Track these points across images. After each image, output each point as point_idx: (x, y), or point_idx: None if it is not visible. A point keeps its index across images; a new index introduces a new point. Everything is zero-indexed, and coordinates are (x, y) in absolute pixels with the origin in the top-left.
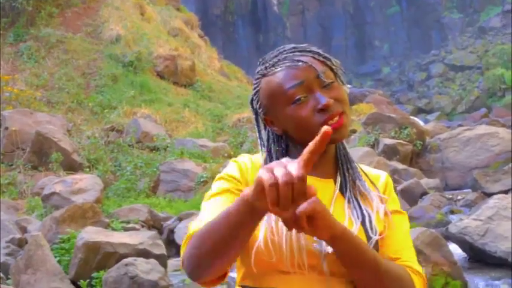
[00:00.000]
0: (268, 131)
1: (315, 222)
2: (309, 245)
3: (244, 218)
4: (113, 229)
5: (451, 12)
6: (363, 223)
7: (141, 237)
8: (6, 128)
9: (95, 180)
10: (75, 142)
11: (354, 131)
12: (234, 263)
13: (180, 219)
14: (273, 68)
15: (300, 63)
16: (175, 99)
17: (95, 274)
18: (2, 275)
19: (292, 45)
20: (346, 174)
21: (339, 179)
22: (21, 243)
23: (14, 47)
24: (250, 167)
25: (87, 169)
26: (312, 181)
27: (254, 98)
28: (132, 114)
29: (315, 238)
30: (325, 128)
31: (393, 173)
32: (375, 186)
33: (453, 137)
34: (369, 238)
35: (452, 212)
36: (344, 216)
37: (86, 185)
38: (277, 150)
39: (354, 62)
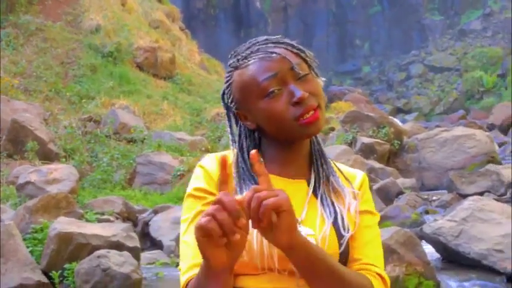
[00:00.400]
0: (240, 126)
1: (278, 222)
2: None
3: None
4: (87, 220)
5: (432, 14)
6: (335, 221)
7: (114, 229)
8: None
9: (71, 170)
10: (52, 131)
11: (332, 129)
12: None
13: (155, 212)
14: (246, 60)
15: (274, 55)
16: (155, 91)
17: (67, 265)
18: None
19: (265, 37)
20: (320, 170)
21: (312, 177)
22: None
23: None
24: (215, 168)
25: (64, 159)
26: (283, 183)
27: (226, 91)
28: (110, 105)
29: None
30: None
31: (370, 171)
32: (350, 184)
33: (430, 138)
34: (340, 236)
35: (427, 212)
36: (316, 214)
37: (61, 175)
38: (248, 145)
39: (335, 60)
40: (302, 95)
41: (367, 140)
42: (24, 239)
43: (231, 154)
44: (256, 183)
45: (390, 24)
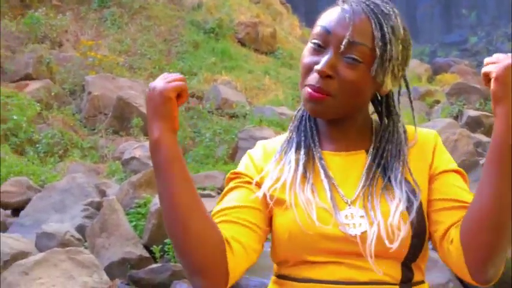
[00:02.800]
0: None
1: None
2: (336, 230)
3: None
4: None
5: None
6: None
7: (214, 205)
8: (89, 93)
9: None
10: None
11: (437, 102)
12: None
13: None
14: (342, 1)
15: (347, 15)
16: (256, 66)
17: (167, 240)
18: (80, 237)
19: (378, 1)
20: (384, 135)
21: (371, 147)
22: (99, 207)
23: (98, 13)
24: (261, 155)
25: None
26: (338, 159)
27: None
28: (213, 81)
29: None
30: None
31: (477, 145)
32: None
33: None
34: (411, 202)
35: None
36: (376, 189)
37: None
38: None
39: (440, 31)
40: (324, 69)
41: (473, 112)
42: (128, 214)
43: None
44: (306, 143)
45: None
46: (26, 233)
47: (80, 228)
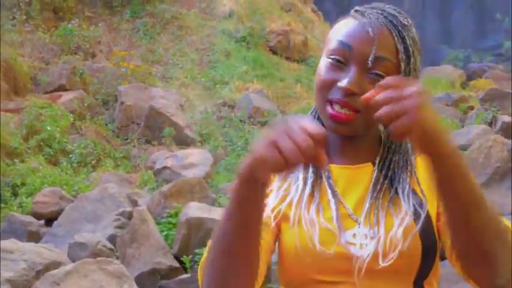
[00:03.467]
0: None
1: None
2: (345, 250)
3: (244, 202)
4: (220, 205)
5: None
6: (416, 211)
7: None
8: (122, 103)
9: (206, 155)
10: (188, 117)
11: (471, 108)
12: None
13: None
14: (356, 14)
15: (370, 30)
16: (288, 74)
17: (197, 250)
18: (112, 247)
19: (395, 12)
20: (391, 147)
21: (378, 159)
22: (131, 217)
23: (130, 23)
24: None
25: (199, 144)
26: (345, 173)
27: None
28: (244, 90)
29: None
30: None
31: None
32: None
33: None
34: (427, 231)
35: None
36: (385, 204)
37: (196, 160)
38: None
39: (474, 36)
40: (350, 87)
41: (508, 118)
42: (159, 224)
43: None
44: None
45: None
46: (59, 243)
47: (112, 238)
